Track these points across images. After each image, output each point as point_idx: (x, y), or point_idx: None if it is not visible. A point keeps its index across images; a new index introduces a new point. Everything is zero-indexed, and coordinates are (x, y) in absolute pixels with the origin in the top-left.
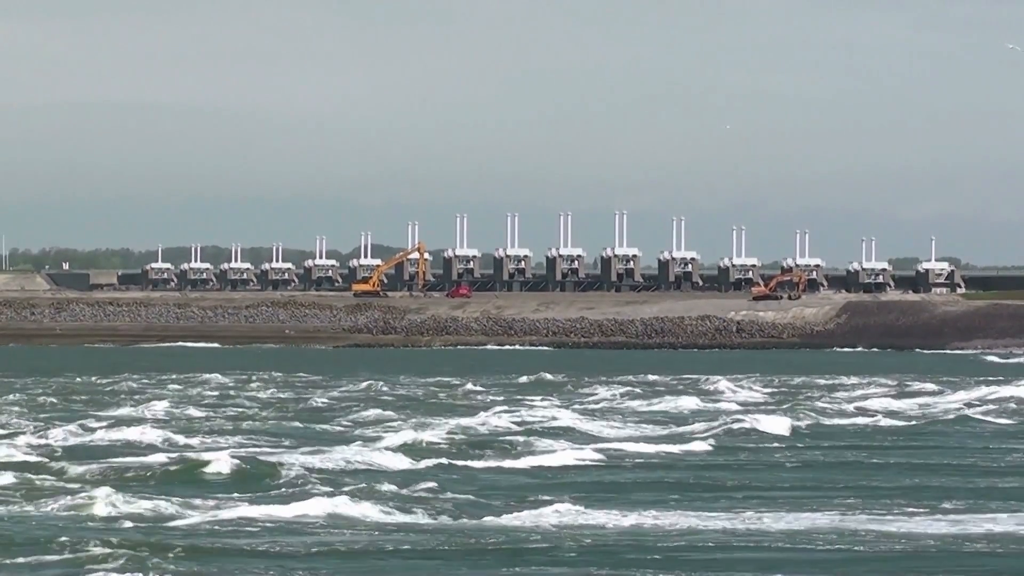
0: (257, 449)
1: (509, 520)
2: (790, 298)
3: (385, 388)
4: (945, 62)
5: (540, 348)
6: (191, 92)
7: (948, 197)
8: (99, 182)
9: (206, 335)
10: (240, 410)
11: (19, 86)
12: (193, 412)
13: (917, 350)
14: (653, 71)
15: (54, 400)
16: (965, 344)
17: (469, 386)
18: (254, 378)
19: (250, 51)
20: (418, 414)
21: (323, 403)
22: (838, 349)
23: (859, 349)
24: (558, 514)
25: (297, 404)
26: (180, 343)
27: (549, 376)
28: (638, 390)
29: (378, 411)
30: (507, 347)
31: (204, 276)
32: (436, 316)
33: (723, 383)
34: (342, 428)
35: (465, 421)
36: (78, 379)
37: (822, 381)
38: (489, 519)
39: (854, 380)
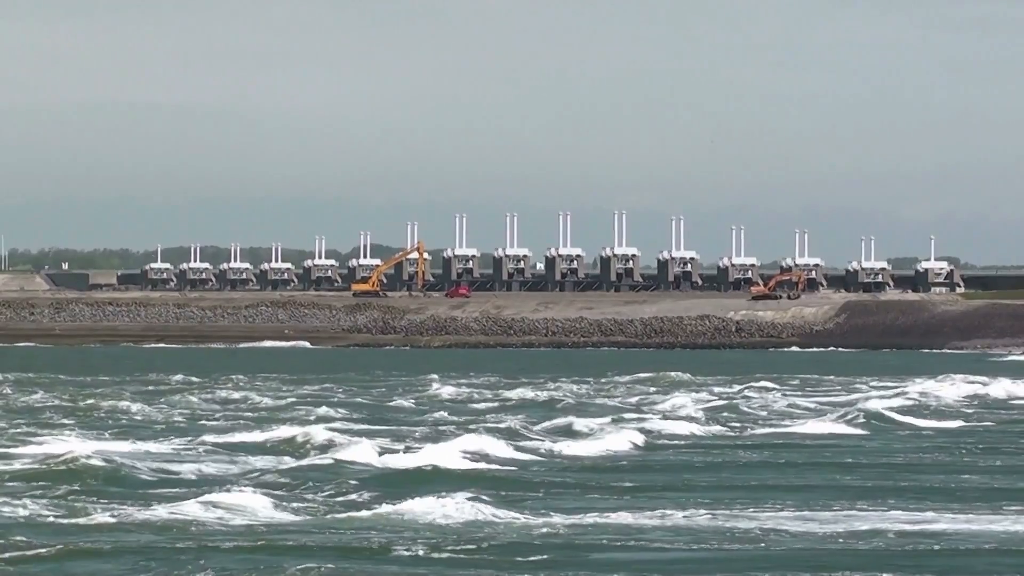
0: (392, 446)
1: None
2: (789, 298)
3: (487, 390)
4: (946, 62)
5: (539, 349)
6: (191, 92)
7: (948, 197)
8: (98, 182)
9: (206, 335)
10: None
11: (20, 86)
12: (328, 411)
13: (918, 350)
14: (653, 71)
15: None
16: (964, 344)
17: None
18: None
19: (250, 51)
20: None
21: (490, 405)
22: (838, 349)
23: (860, 349)
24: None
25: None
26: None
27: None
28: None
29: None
30: (508, 348)
31: (203, 276)
32: (435, 316)
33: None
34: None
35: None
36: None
37: (890, 381)
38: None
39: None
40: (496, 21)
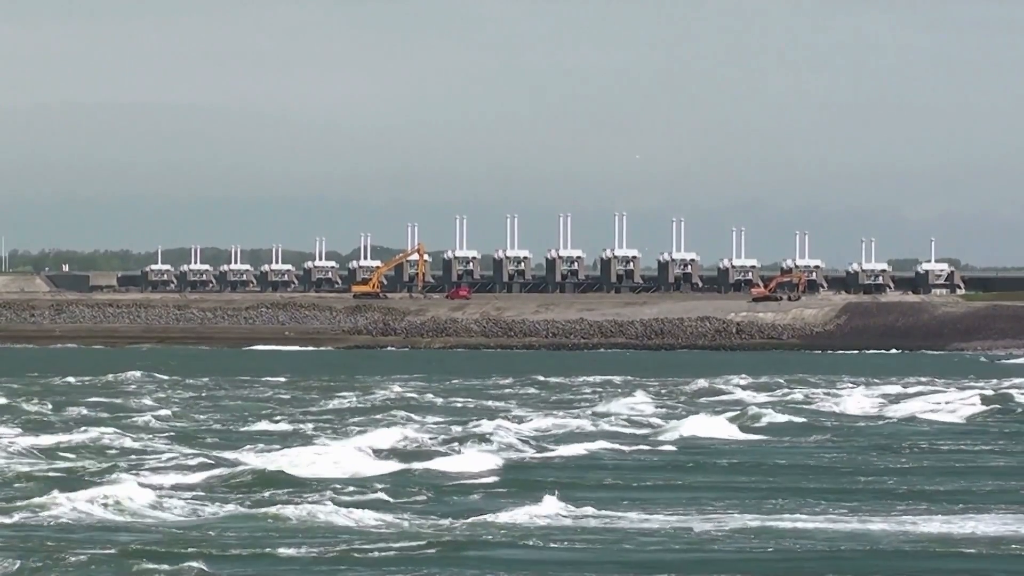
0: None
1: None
2: (790, 299)
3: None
4: (946, 62)
5: (540, 350)
6: (192, 92)
7: (949, 198)
8: (99, 183)
9: (206, 337)
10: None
11: (20, 86)
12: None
13: (920, 351)
14: (653, 71)
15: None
16: (965, 345)
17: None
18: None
19: (250, 51)
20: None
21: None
22: (839, 352)
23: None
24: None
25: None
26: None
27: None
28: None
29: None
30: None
31: (204, 278)
32: (436, 318)
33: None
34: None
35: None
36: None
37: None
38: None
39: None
40: (496, 22)
